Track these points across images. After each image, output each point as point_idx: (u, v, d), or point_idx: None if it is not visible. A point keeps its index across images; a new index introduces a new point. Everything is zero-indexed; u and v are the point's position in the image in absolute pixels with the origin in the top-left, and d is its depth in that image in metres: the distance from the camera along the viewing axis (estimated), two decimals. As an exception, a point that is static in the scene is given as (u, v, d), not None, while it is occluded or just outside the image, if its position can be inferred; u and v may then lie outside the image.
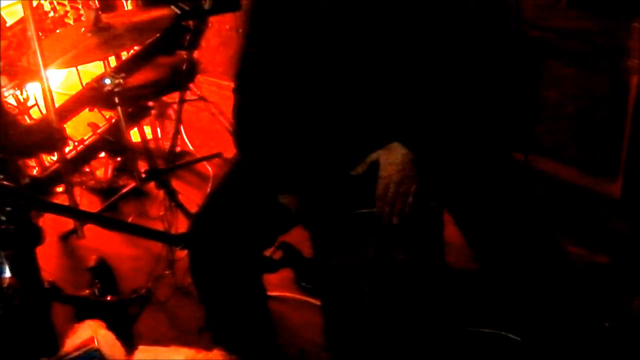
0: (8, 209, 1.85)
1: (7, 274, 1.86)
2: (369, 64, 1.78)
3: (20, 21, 2.85)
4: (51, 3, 3.15)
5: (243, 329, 2.00)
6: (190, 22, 3.07)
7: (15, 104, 2.86)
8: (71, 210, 2.60)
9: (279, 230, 1.92)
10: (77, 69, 3.30)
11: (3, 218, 1.85)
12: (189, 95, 3.27)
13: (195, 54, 3.13)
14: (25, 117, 2.89)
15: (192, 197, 2.97)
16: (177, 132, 3.27)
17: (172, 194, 2.82)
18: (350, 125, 1.85)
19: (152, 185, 2.94)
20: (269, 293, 2.16)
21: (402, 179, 1.78)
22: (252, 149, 1.88)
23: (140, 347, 1.67)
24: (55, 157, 2.97)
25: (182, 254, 2.62)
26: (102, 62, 3.31)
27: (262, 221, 1.90)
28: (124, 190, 3.25)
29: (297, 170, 1.85)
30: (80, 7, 3.16)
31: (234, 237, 1.87)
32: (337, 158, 1.87)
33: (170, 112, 3.38)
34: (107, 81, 2.70)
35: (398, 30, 1.76)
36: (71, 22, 3.19)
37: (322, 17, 1.75)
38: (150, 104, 3.21)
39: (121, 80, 2.69)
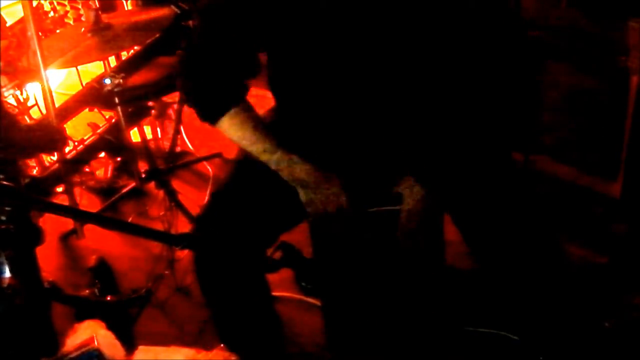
0: (8, 209, 1.85)
1: (7, 274, 1.86)
2: (367, 67, 1.79)
3: (20, 21, 2.85)
4: (51, 3, 3.15)
5: (249, 327, 2.01)
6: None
7: (15, 104, 2.86)
8: (71, 210, 2.60)
9: (282, 228, 1.92)
10: (77, 69, 3.30)
11: (3, 218, 1.85)
12: (189, 95, 3.26)
13: (195, 54, 3.13)
14: (25, 117, 2.89)
15: (192, 197, 2.97)
16: (177, 132, 3.27)
17: (172, 194, 2.82)
18: (360, 153, 1.88)
19: (152, 185, 2.94)
20: (269, 293, 2.16)
21: (423, 218, 1.86)
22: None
23: (140, 347, 1.67)
24: (55, 157, 2.97)
25: (182, 254, 2.63)
26: (102, 62, 3.31)
27: (266, 219, 1.90)
28: (124, 190, 3.25)
29: None
30: (80, 7, 3.16)
31: (238, 236, 1.87)
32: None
33: (170, 112, 3.38)
34: (107, 81, 2.70)
35: (398, 32, 1.76)
36: (71, 22, 3.19)
37: (321, 20, 1.75)
38: (150, 104, 3.21)
39: (121, 80, 2.69)
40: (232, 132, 1.87)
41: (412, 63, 1.79)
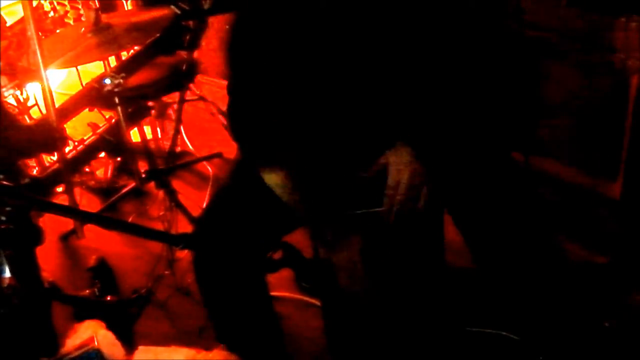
0: (8, 209, 1.85)
1: (7, 274, 1.86)
2: (366, 58, 1.78)
3: (20, 21, 2.85)
4: (51, 3, 3.15)
5: (248, 328, 2.01)
6: (190, 22, 3.07)
7: (15, 104, 2.86)
8: (71, 210, 2.60)
9: (283, 231, 1.92)
10: (77, 69, 3.30)
11: (3, 218, 1.85)
12: (189, 95, 3.27)
13: (195, 54, 3.14)
14: (25, 117, 2.89)
15: (192, 197, 2.98)
16: (177, 132, 3.27)
17: (172, 194, 2.82)
18: (351, 121, 1.85)
19: (152, 185, 2.94)
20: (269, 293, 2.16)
21: (412, 179, 1.79)
22: (246, 130, 1.87)
23: (140, 347, 1.67)
24: (55, 157, 2.97)
25: (182, 254, 2.63)
26: (102, 62, 3.31)
27: (266, 221, 1.90)
28: (124, 190, 3.25)
29: (283, 142, 1.85)
30: (80, 7, 3.17)
31: (238, 238, 1.87)
32: (341, 156, 1.88)
33: (170, 112, 3.38)
34: (107, 81, 2.70)
35: (396, 26, 1.76)
36: (71, 22, 3.19)
37: (320, 12, 1.75)
38: (150, 104, 3.21)
39: (121, 80, 2.69)
40: None
41: (409, 58, 1.79)
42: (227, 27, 1.89)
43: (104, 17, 2.70)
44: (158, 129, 3.42)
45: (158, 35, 2.88)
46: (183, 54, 3.10)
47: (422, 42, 1.77)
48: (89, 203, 3.20)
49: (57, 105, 2.87)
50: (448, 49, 1.79)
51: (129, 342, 1.70)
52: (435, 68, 1.79)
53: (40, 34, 2.77)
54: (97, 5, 3.06)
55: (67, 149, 3.05)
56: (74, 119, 3.16)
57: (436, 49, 1.78)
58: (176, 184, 3.01)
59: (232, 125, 1.91)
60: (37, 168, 2.98)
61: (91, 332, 1.64)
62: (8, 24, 2.91)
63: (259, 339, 2.03)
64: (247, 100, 1.85)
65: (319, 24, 1.76)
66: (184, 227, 2.75)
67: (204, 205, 2.91)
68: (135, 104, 3.04)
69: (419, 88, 1.80)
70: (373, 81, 1.80)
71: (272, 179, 1.82)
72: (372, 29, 1.75)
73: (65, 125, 3.06)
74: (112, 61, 3.31)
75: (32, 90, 2.93)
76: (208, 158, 3.33)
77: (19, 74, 2.84)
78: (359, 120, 1.84)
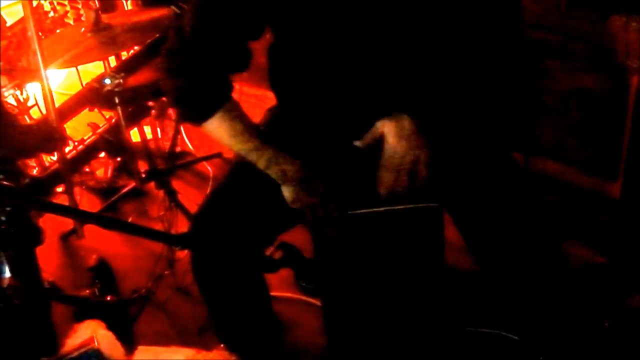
0: (8, 209, 1.85)
1: (7, 274, 1.86)
2: (373, 35, 1.76)
3: (20, 21, 2.85)
4: (51, 3, 3.15)
5: (248, 327, 2.00)
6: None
7: (15, 104, 2.86)
8: (71, 210, 2.60)
9: (281, 228, 1.91)
10: (77, 69, 3.30)
11: (3, 218, 1.85)
12: (189, 95, 3.26)
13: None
14: (25, 117, 2.89)
15: (192, 197, 2.97)
16: (177, 132, 3.27)
17: (172, 194, 2.82)
18: (353, 91, 1.83)
19: (152, 185, 2.95)
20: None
21: (407, 150, 1.75)
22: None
23: (140, 347, 1.67)
24: (55, 157, 2.97)
25: (182, 254, 2.63)
26: (102, 62, 3.31)
27: (264, 219, 1.90)
28: (124, 190, 3.25)
29: None
30: (80, 7, 3.16)
31: (236, 235, 1.87)
32: (338, 123, 1.86)
33: (170, 112, 3.38)
34: (107, 81, 2.70)
35: (400, 25, 1.75)
36: (71, 22, 3.19)
37: (325, 10, 1.73)
38: (150, 104, 3.21)
39: (121, 80, 2.69)
40: (222, 131, 1.81)
41: (414, 58, 1.79)
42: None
43: (104, 17, 2.71)
44: (158, 129, 3.42)
45: (158, 35, 2.88)
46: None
47: (420, 36, 1.77)
48: (89, 203, 3.20)
49: (57, 105, 2.87)
50: (448, 48, 1.79)
51: (129, 342, 1.70)
52: (442, 54, 1.78)
53: (40, 33, 2.77)
54: (97, 5, 3.06)
55: (67, 149, 3.05)
56: (74, 119, 3.17)
57: (435, 46, 1.78)
58: (176, 184, 3.01)
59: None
60: (37, 168, 2.98)
61: (91, 332, 1.64)
62: (8, 24, 2.91)
63: (258, 338, 2.03)
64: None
65: (333, 11, 1.73)
66: (184, 227, 2.74)
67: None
68: (135, 104, 3.04)
69: (421, 62, 1.78)
70: (375, 49, 1.78)
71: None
72: (382, 17, 1.74)
73: (65, 125, 3.07)
74: (112, 61, 3.31)
75: (32, 90, 2.93)
76: (208, 158, 3.32)
77: (19, 74, 2.84)
78: (360, 84, 1.82)
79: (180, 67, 1.79)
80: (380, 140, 1.77)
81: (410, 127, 1.75)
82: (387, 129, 1.75)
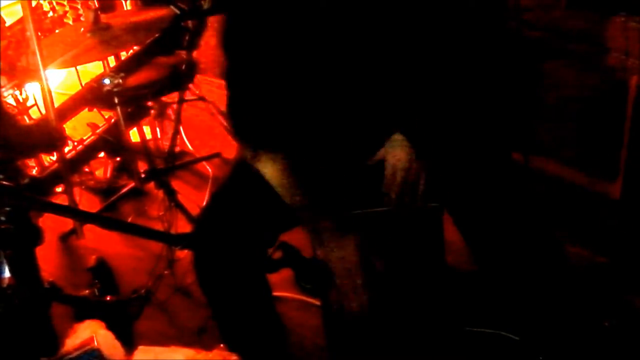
0: (8, 209, 1.85)
1: (7, 274, 1.86)
2: (367, 50, 1.77)
3: (20, 21, 2.84)
4: (50, 3, 3.15)
5: (250, 327, 2.00)
6: (190, 22, 3.07)
7: (14, 104, 2.86)
8: (71, 210, 2.60)
9: (282, 228, 1.91)
10: (76, 69, 3.30)
11: (3, 218, 1.85)
12: (188, 95, 3.26)
13: (195, 54, 3.13)
14: (25, 117, 2.89)
15: (191, 197, 2.98)
16: (177, 132, 3.27)
17: (171, 194, 2.82)
18: (351, 110, 1.85)
19: (151, 185, 2.94)
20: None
21: (408, 171, 1.85)
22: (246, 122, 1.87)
23: (140, 347, 1.67)
24: (55, 157, 2.97)
25: (182, 254, 2.63)
26: (101, 62, 3.31)
27: (265, 219, 1.90)
28: (124, 190, 3.25)
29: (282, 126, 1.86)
30: (79, 7, 3.16)
31: (238, 236, 1.87)
32: (340, 146, 1.88)
33: (170, 112, 3.38)
34: (107, 81, 2.70)
35: (394, 23, 1.75)
36: (70, 22, 3.18)
37: (322, 6, 1.74)
38: (150, 104, 3.21)
39: (121, 80, 2.69)
40: None
41: (408, 55, 1.79)
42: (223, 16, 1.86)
43: (104, 17, 2.70)
44: (157, 129, 3.42)
45: (158, 35, 2.88)
46: (182, 54, 3.09)
47: (422, 37, 1.77)
48: (89, 203, 3.20)
49: (56, 105, 2.87)
50: (448, 46, 1.79)
51: (129, 342, 1.70)
52: (435, 63, 1.79)
53: (39, 34, 2.76)
54: (97, 5, 3.05)
55: (66, 149, 3.05)
56: (73, 119, 3.16)
57: (436, 45, 1.78)
58: (176, 184, 3.01)
59: (231, 118, 1.90)
60: (36, 168, 2.98)
61: (91, 332, 1.63)
62: (7, 24, 2.91)
63: (261, 339, 2.03)
64: (247, 91, 1.85)
65: (321, 18, 1.75)
66: (183, 227, 2.75)
67: (203, 204, 2.91)
68: (134, 104, 3.04)
69: (418, 81, 1.80)
70: (372, 72, 1.80)
71: (271, 172, 1.82)
72: (373, 23, 1.75)
73: (64, 125, 3.06)
74: (112, 61, 3.31)
75: (32, 90, 2.93)
76: (207, 158, 3.33)
77: (19, 74, 2.84)
78: (358, 109, 1.84)
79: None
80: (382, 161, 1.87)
81: (407, 150, 1.85)
82: (388, 155, 1.87)
